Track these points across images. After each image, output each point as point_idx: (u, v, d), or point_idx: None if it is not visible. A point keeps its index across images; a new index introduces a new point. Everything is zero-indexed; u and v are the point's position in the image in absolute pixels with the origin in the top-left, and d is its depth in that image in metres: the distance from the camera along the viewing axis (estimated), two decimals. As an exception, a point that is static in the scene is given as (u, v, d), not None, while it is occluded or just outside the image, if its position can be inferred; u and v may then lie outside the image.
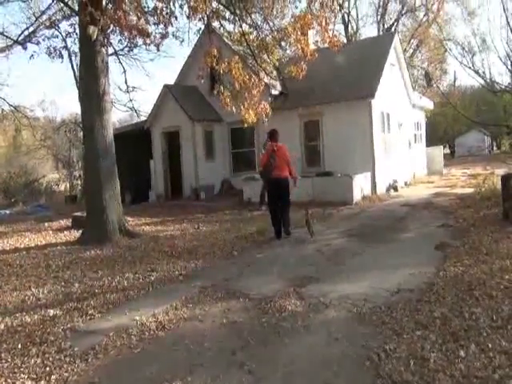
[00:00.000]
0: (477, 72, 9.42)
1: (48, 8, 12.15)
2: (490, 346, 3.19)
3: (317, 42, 16.39)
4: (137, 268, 6.40)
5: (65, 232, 10.04)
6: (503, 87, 10.65)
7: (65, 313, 4.66)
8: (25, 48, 13.01)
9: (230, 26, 11.58)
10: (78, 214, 10.81)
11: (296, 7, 20.92)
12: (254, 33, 11.60)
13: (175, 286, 5.46)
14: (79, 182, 22.58)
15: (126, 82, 14.12)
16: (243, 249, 7.32)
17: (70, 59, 16.60)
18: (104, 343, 3.83)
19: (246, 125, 10.49)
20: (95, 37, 8.40)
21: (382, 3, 29.49)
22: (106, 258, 7.28)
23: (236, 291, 5.00)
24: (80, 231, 9.31)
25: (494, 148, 47.25)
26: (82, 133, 11.52)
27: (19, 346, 3.84)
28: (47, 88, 74.49)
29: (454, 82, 33.14)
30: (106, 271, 6.34)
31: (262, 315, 4.21)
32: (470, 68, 9.39)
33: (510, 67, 9.42)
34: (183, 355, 3.53)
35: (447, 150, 41.08)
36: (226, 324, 4.10)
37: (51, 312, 4.69)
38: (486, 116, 31.43)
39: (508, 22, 8.36)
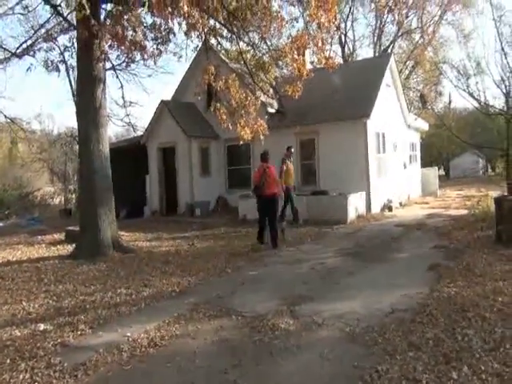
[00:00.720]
0: (471, 95, 9.61)
1: (47, 21, 12.25)
2: (482, 368, 3.19)
3: (313, 62, 16.61)
4: (129, 284, 6.36)
5: (58, 246, 9.97)
6: (497, 110, 10.82)
7: (55, 328, 4.61)
8: (22, 60, 13.13)
9: (227, 44, 11.74)
10: (72, 227, 10.76)
11: (293, 26, 21.23)
12: (251, 51, 11.77)
13: (168, 303, 5.43)
14: (74, 195, 22.53)
15: (123, 97, 14.29)
16: (237, 266, 7.29)
17: (68, 73, 16.79)
18: (94, 359, 3.79)
19: (241, 142, 10.56)
20: (95, 52, 8.52)
21: (378, 25, 29.95)
22: (98, 272, 7.24)
23: (229, 309, 4.97)
24: (73, 245, 9.26)
25: (489, 170, 47.62)
26: (77, 146, 11.55)
27: (8, 361, 3.79)
28: (45, 101, 74.74)
29: (449, 104, 33.64)
30: (99, 286, 6.30)
31: (254, 333, 4.19)
32: (464, 91, 9.54)
33: (504, 91, 9.59)
34: (174, 373, 3.50)
35: (442, 172, 41.38)
36: (219, 342, 4.07)
37: (42, 326, 4.64)
38: (481, 138, 31.77)
39: (502, 47, 8.53)
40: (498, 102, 25.35)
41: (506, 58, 8.54)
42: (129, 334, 4.31)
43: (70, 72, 16.45)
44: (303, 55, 10.11)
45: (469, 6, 27.58)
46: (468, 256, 6.80)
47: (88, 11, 7.31)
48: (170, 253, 8.70)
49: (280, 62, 12.57)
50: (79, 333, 4.46)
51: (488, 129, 31.46)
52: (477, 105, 10.06)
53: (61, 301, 5.63)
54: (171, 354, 3.84)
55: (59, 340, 4.26)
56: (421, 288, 5.32)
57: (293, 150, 12.07)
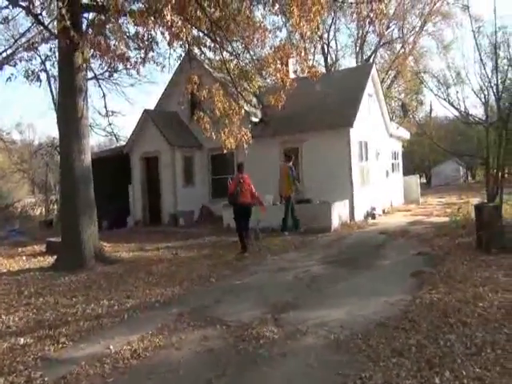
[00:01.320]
0: (452, 104, 9.78)
1: (27, 30, 12.13)
2: (464, 372, 3.23)
3: (296, 71, 16.75)
4: (112, 295, 6.28)
5: (39, 257, 9.81)
6: (477, 119, 11.08)
7: (36, 341, 4.52)
8: (2, 70, 12.96)
9: (210, 54, 11.79)
10: (53, 239, 10.60)
11: (276, 36, 21.40)
12: (235, 61, 11.83)
13: (151, 314, 5.37)
14: (55, 206, 22.21)
15: (105, 107, 14.22)
16: (222, 275, 7.27)
17: (49, 82, 16.61)
18: (76, 372, 3.73)
19: (225, 151, 10.57)
20: (77, 62, 8.47)
21: (360, 35, 30.44)
22: (80, 284, 7.13)
23: (213, 318, 4.94)
24: (54, 257, 9.12)
25: (469, 178, 48.46)
26: (59, 157, 11.42)
27: (-14, 376, 3.70)
28: (26, 111, 73.77)
29: (430, 112, 34.21)
30: (80, 298, 6.20)
31: (239, 343, 4.17)
32: (445, 100, 9.72)
33: (483, 100, 9.80)
34: (158, 384, 3.46)
35: (424, 180, 41.93)
36: (203, 352, 4.04)
37: (21, 340, 4.55)
38: (461, 147, 32.31)
39: (481, 58, 8.72)
40: (477, 111, 25.87)
41: (484, 68, 8.73)
42: (111, 346, 4.25)
43: (52, 81, 16.27)
44: (286, 65, 10.20)
45: (448, 18, 28.27)
46: (449, 262, 6.89)
47: (68, 22, 7.25)
48: (154, 263, 8.62)
49: (263, 72, 12.69)
50: (60, 346, 4.39)
51: (468, 137, 32.02)
52: (457, 114, 10.28)
53: (41, 313, 5.53)
54: (155, 366, 3.80)
55: (40, 354, 4.18)
56: (404, 295, 5.37)
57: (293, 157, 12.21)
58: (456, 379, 3.15)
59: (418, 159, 39.58)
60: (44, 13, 8.97)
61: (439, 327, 4.15)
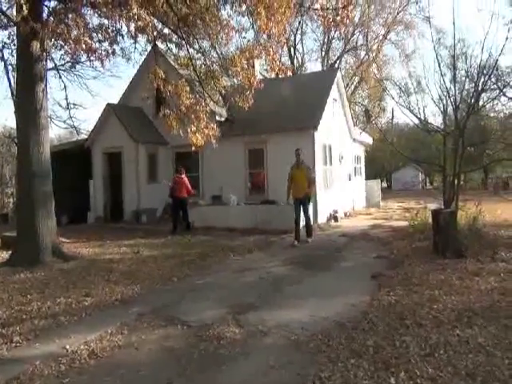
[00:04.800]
0: (412, 112, 10.07)
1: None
2: (418, 373, 3.34)
3: (266, 70, 16.82)
4: (70, 293, 6.11)
5: (-8, 253, 9.42)
6: (435, 128, 11.46)
7: (-13, 340, 4.35)
8: None
9: (176, 50, 11.67)
10: (8, 233, 10.21)
11: (244, 38, 21.43)
12: (202, 59, 11.77)
13: (111, 312, 5.27)
14: (11, 200, 21.38)
15: (66, 99, 13.85)
16: (184, 274, 7.21)
17: (7, 71, 15.93)
18: (30, 372, 3.61)
19: (193, 148, 10.49)
20: (37, 51, 8.18)
21: (326, 40, 30.93)
22: (36, 281, 6.90)
23: (174, 318, 4.90)
24: (9, 252, 8.79)
25: (427, 184, 50.13)
26: (16, 148, 11.01)
27: None
28: (-18, 100, 70.49)
29: (392, 119, 35.10)
30: (36, 295, 6.01)
31: (200, 342, 4.16)
32: (406, 107, 10.00)
33: (442, 109, 10.13)
34: (116, 384, 3.40)
35: (385, 184, 43.05)
36: (163, 351, 4.00)
37: (-28, 339, 4.36)
38: (421, 153, 33.40)
39: (440, 69, 9.02)
40: (436, 119, 26.74)
41: (443, 78, 9.03)
42: (67, 346, 4.14)
43: (10, 70, 15.61)
44: (253, 66, 10.24)
45: (410, 28, 29.16)
46: (407, 265, 7.10)
47: (26, 12, 6.98)
48: (114, 260, 8.46)
49: (230, 72, 12.68)
50: (14, 345, 4.24)
51: (427, 145, 33.17)
52: (417, 121, 10.59)
53: (-6, 311, 5.32)
54: (113, 365, 3.73)
55: (-9, 353, 4.02)
56: (363, 296, 5.50)
57: (300, 152, 10.47)
58: (410, 379, 3.25)
59: (380, 164, 40.63)
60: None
61: (396, 328, 4.28)
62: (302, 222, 10.34)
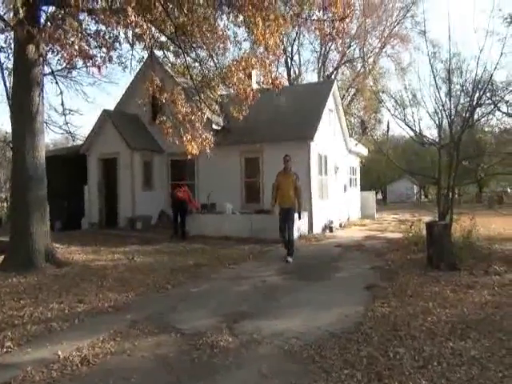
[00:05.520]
0: (407, 124, 10.13)
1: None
2: (411, 384, 3.34)
3: (261, 82, 16.89)
4: (63, 298, 6.07)
5: (-15, 257, 9.34)
6: (430, 140, 11.54)
7: (-22, 345, 4.30)
8: None
9: (173, 58, 11.74)
10: (2, 238, 10.13)
11: (240, 49, 21.55)
12: (198, 67, 11.81)
13: (104, 319, 5.24)
14: (6, 204, 21.25)
15: (62, 104, 13.68)
16: (178, 282, 7.18)
17: (2, 75, 15.90)
18: (20, 378, 3.58)
19: (189, 156, 10.50)
20: (32, 55, 8.20)
21: (323, 51, 31.21)
22: (29, 286, 6.85)
23: (168, 325, 4.88)
24: (2, 257, 8.72)
25: (422, 196, 50.33)
26: (11, 153, 10.97)
27: None
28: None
29: (387, 131, 35.33)
30: (29, 301, 5.96)
31: (193, 351, 4.14)
32: (401, 120, 10.07)
33: (437, 122, 10.20)
34: (108, 392, 3.37)
35: (380, 196, 43.17)
36: (156, 359, 3.98)
37: (-38, 343, 4.32)
38: (416, 166, 33.58)
39: (436, 83, 9.10)
40: (431, 132, 26.91)
41: (439, 92, 9.11)
42: (59, 352, 4.10)
43: (6, 74, 15.58)
44: (249, 77, 10.29)
45: (406, 41, 29.52)
46: (401, 277, 7.11)
47: (22, 15, 7.00)
48: (108, 267, 8.41)
49: (227, 81, 12.75)
50: (5, 350, 4.20)
51: (422, 157, 33.34)
52: (412, 134, 10.66)
53: (-15, 316, 5.27)
54: (105, 372, 3.70)
55: (-18, 358, 3.98)
56: (357, 307, 5.50)
57: (288, 158, 9.51)
58: (404, 391, 3.25)
59: (375, 176, 40.75)
60: (-1, 1, 8.67)
61: (389, 340, 4.28)
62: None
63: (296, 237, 11.40)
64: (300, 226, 12.64)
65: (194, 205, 13.43)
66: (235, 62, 9.94)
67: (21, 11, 6.92)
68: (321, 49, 31.12)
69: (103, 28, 8.55)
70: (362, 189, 23.54)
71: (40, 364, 3.85)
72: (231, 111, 10.70)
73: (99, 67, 8.37)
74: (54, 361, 3.93)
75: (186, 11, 9.11)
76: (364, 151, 22.66)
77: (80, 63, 9.25)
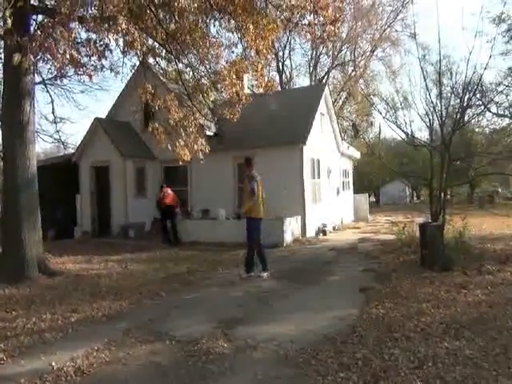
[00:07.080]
0: (399, 127, 10.20)
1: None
2: (407, 385, 3.34)
3: (252, 86, 16.94)
4: (56, 309, 6.02)
5: (-24, 268, 9.24)
6: (422, 142, 11.61)
7: (-30, 357, 4.25)
8: None
9: (165, 65, 11.71)
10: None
11: (232, 52, 21.60)
12: (190, 73, 11.82)
13: (98, 328, 5.20)
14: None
15: (53, 112, 13.70)
16: (172, 289, 7.15)
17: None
18: (14, 390, 3.53)
19: (180, 162, 10.48)
20: (22, 64, 8.16)
21: (314, 55, 31.36)
22: (21, 297, 6.79)
23: (162, 333, 4.85)
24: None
25: (415, 198, 50.56)
26: (2, 162, 10.91)
27: None
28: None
29: (379, 134, 35.51)
30: (21, 312, 5.90)
31: (188, 358, 4.11)
32: (393, 122, 10.13)
33: (428, 124, 10.29)
34: (102, 401, 3.34)
35: (373, 198, 43.31)
36: (151, 367, 3.95)
37: (-46, 356, 4.27)
38: (408, 167, 33.74)
39: (426, 85, 9.18)
40: (423, 134, 27.07)
41: (429, 94, 9.19)
42: (53, 363, 4.06)
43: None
44: (242, 80, 10.32)
45: (397, 45, 29.74)
46: (395, 279, 7.13)
47: (10, 25, 6.98)
48: (102, 275, 8.36)
49: (219, 86, 12.75)
50: (-2, 362, 4.15)
51: (414, 159, 33.52)
52: (404, 136, 10.73)
53: (-23, 328, 5.21)
54: (100, 382, 3.68)
55: (-26, 371, 3.93)
56: (352, 309, 5.51)
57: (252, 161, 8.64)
58: (399, 392, 3.25)
59: (368, 178, 40.88)
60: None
61: (384, 341, 4.28)
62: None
63: (290, 240, 11.42)
64: (293, 229, 12.67)
65: (180, 206, 13.64)
66: (228, 65, 9.97)
67: (9, 21, 6.90)
68: (312, 53, 31.30)
69: (94, 36, 8.55)
70: (356, 192, 23.62)
71: (34, 376, 3.81)
72: (224, 113, 10.70)
73: (90, 75, 8.36)
74: (47, 372, 3.88)
75: (176, 18, 9.13)
76: (356, 154, 22.75)
77: (71, 71, 9.20)
